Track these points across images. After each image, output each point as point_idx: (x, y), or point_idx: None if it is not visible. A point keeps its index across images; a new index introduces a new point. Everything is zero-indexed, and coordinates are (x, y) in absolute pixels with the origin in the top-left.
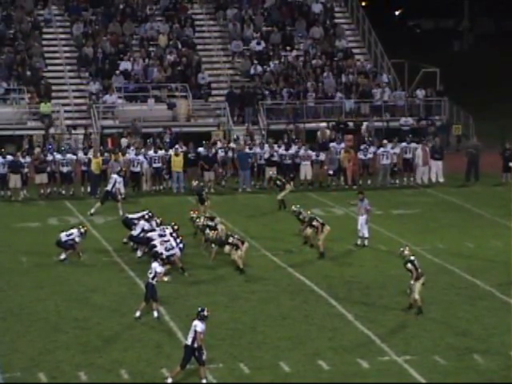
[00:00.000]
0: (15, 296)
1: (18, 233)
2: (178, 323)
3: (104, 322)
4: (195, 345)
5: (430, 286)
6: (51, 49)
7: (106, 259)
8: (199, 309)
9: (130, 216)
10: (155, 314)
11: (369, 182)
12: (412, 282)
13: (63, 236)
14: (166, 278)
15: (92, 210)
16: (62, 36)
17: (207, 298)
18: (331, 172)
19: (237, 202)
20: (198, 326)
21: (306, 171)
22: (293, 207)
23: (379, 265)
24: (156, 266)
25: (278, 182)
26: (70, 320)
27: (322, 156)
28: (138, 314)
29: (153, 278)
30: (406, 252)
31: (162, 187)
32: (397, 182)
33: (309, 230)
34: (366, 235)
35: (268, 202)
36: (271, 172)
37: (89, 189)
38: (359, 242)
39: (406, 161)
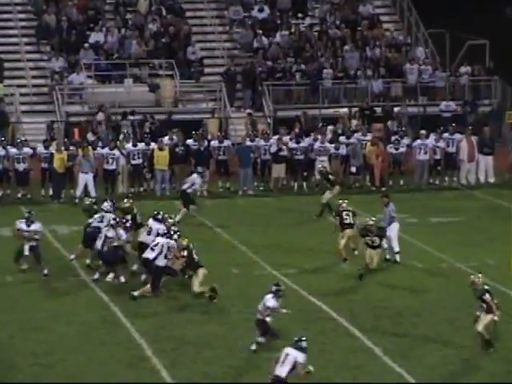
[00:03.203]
0: None
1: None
2: (164, 360)
3: (69, 358)
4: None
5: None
6: (4, 16)
7: (72, 278)
8: (299, 338)
9: None
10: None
11: (401, 182)
12: (482, 315)
13: None
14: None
15: (177, 217)
16: (17, 0)
17: (199, 328)
18: (354, 170)
19: (236, 208)
20: (300, 357)
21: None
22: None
23: (413, 286)
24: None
25: (330, 177)
26: (27, 355)
27: (343, 150)
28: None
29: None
30: (479, 280)
31: (142, 189)
32: (436, 182)
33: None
34: (396, 249)
35: (275, 207)
36: (320, 165)
37: (50, 191)
38: (388, 256)
39: (447, 156)
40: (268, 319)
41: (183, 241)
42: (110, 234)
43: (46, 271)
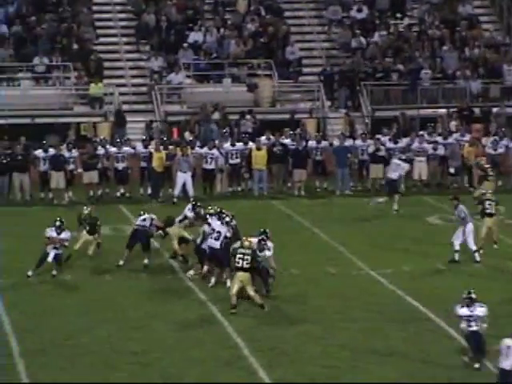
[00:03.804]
0: (57, 323)
1: None
2: (261, 359)
3: (167, 357)
4: None
5: None
6: (103, 16)
7: (170, 277)
8: None
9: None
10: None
11: (499, 183)
12: None
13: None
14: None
15: (395, 206)
16: (117, 0)
17: (296, 328)
18: (452, 170)
19: (334, 208)
20: None
21: (421, 169)
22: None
23: (511, 289)
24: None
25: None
26: (125, 354)
27: (441, 150)
28: None
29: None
30: None
31: (240, 188)
32: None
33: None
34: (473, 247)
35: (372, 207)
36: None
37: (149, 190)
38: (457, 258)
39: None
40: None
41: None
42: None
43: (54, 272)
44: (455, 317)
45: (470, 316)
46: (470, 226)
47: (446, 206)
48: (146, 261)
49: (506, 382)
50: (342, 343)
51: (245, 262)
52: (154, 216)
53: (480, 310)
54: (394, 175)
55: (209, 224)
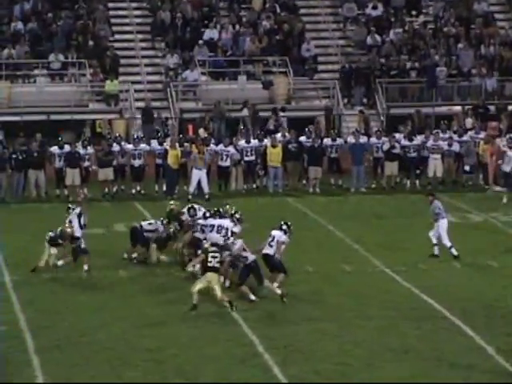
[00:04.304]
0: (72, 320)
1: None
2: (275, 356)
3: (182, 354)
4: None
5: None
6: (119, 13)
7: (184, 274)
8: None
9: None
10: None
11: None
12: None
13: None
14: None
15: (504, 200)
16: None
17: (310, 325)
18: (468, 168)
19: (349, 205)
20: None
21: (436, 166)
22: None
23: None
24: None
25: None
26: (140, 350)
27: (456, 147)
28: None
29: None
30: None
31: (255, 185)
32: None
33: None
34: (448, 244)
35: (387, 204)
36: None
37: (164, 187)
38: (436, 253)
39: None
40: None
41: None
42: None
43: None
44: None
45: None
46: (443, 222)
47: (461, 204)
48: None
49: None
50: (357, 341)
51: (215, 261)
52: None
53: None
54: (507, 168)
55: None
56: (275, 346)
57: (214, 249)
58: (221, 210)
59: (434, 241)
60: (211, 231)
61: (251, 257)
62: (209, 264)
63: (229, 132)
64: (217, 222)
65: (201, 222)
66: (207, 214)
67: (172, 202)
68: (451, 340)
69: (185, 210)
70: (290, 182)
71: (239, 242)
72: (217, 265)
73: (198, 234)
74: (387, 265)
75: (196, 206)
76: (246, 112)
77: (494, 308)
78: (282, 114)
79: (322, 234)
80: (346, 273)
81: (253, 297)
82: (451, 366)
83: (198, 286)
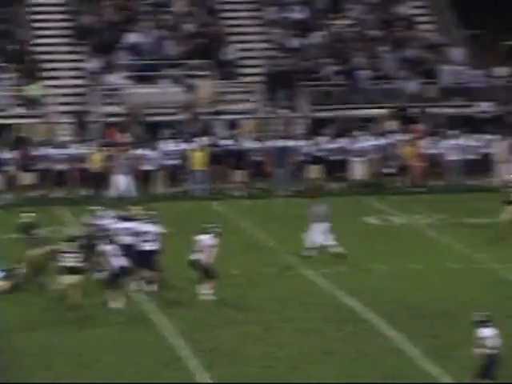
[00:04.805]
0: None
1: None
2: (200, 360)
3: (105, 358)
4: None
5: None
6: (41, 17)
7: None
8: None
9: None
10: None
11: (438, 182)
12: None
13: None
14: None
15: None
16: (54, 1)
17: (235, 328)
18: (391, 170)
19: (272, 208)
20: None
21: (359, 169)
22: None
23: (449, 288)
24: None
25: None
26: (62, 355)
27: (380, 150)
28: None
29: None
30: None
31: (180, 189)
32: (473, 183)
33: None
34: (329, 242)
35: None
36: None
37: (88, 191)
38: (312, 254)
39: (484, 156)
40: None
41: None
42: None
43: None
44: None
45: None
46: (324, 226)
47: (384, 206)
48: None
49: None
50: (280, 343)
51: (74, 261)
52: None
53: None
54: None
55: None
56: (200, 349)
57: (70, 249)
58: (132, 212)
59: (331, 242)
60: (126, 235)
61: (120, 263)
62: (66, 265)
63: (150, 136)
64: (133, 225)
65: (114, 226)
66: (122, 217)
67: (25, 215)
68: (373, 342)
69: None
70: (214, 185)
71: (110, 247)
72: (79, 265)
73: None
74: (310, 267)
75: (103, 212)
76: (184, 115)
77: (417, 310)
78: (223, 117)
79: (246, 238)
80: (270, 276)
81: (113, 304)
82: (374, 367)
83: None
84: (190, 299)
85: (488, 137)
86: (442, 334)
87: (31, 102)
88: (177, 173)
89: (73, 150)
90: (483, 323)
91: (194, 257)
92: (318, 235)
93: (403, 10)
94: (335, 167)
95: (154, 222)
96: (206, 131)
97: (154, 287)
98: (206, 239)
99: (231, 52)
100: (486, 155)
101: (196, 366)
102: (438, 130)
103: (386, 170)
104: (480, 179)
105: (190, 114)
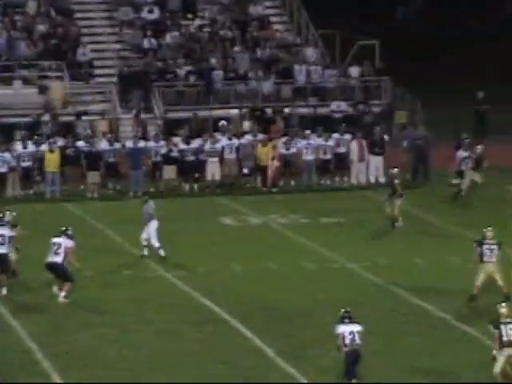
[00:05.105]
0: None
1: None
2: (54, 363)
3: None
4: None
5: (369, 313)
6: None
7: None
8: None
9: None
10: None
11: (292, 182)
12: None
13: None
14: None
15: None
16: None
17: (90, 331)
18: (246, 171)
19: (127, 210)
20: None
21: (214, 169)
22: None
23: (305, 287)
24: None
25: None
26: None
27: (234, 150)
28: None
29: None
30: (504, 310)
31: (32, 191)
32: (327, 182)
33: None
34: (157, 244)
35: (166, 208)
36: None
37: None
38: (146, 253)
39: (337, 156)
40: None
41: None
42: None
43: None
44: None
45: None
46: (154, 224)
47: (239, 207)
48: None
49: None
50: (137, 346)
51: None
52: None
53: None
54: None
55: None
56: (54, 352)
57: None
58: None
59: (145, 242)
60: None
61: None
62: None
63: (3, 138)
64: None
65: None
66: None
67: None
68: (232, 342)
69: None
70: (68, 187)
71: None
72: None
73: None
74: (167, 269)
75: None
76: (47, 117)
77: (273, 310)
78: (84, 118)
79: (100, 240)
80: (126, 278)
81: None
82: (233, 367)
83: None
84: (45, 302)
85: (341, 136)
86: (299, 334)
87: None
88: (30, 175)
89: None
90: (343, 320)
91: (50, 259)
92: (146, 233)
93: (257, 10)
94: (190, 168)
95: (3, 225)
96: (59, 132)
97: (4, 291)
98: (62, 241)
99: (84, 53)
100: (340, 155)
101: (50, 369)
102: (293, 130)
103: (241, 171)
104: (334, 179)
105: (43, 115)
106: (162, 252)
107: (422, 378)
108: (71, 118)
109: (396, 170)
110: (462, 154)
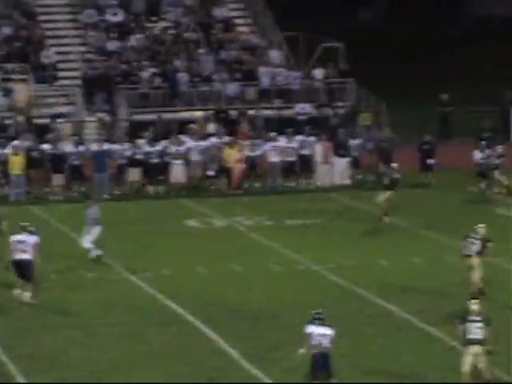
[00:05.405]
0: None
1: None
2: (19, 366)
3: None
4: None
5: (333, 314)
6: None
7: None
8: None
9: None
10: None
11: (257, 185)
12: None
13: None
14: None
15: None
16: None
17: (56, 333)
18: (211, 173)
19: None
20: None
21: (179, 172)
22: None
23: (271, 289)
24: None
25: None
26: None
27: (199, 153)
28: None
29: None
30: (475, 307)
31: None
32: (292, 184)
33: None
34: (89, 245)
35: (130, 211)
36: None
37: None
38: (100, 252)
39: (302, 158)
40: None
41: None
42: None
43: None
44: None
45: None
46: (97, 229)
47: (204, 209)
48: None
49: None
50: (102, 348)
51: None
52: None
53: None
54: None
55: None
56: (18, 355)
57: None
58: None
59: (90, 245)
60: None
61: None
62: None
63: None
64: None
65: None
66: None
67: None
68: (197, 344)
69: None
70: (33, 189)
71: None
72: None
73: None
74: (131, 271)
75: None
76: (21, 118)
77: (239, 312)
78: (59, 120)
79: (65, 242)
80: (90, 280)
81: None
82: (197, 369)
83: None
84: (9, 304)
85: (306, 138)
86: (264, 335)
87: None
88: None
89: None
90: (314, 322)
91: (17, 257)
92: (88, 237)
93: (221, 12)
94: (155, 170)
95: None
96: (23, 135)
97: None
98: (26, 238)
99: (48, 55)
100: (305, 157)
101: (14, 371)
102: (258, 132)
103: (206, 173)
104: (298, 181)
105: (8, 117)
106: (94, 252)
107: (386, 379)
108: (46, 121)
109: (395, 164)
110: (478, 154)
